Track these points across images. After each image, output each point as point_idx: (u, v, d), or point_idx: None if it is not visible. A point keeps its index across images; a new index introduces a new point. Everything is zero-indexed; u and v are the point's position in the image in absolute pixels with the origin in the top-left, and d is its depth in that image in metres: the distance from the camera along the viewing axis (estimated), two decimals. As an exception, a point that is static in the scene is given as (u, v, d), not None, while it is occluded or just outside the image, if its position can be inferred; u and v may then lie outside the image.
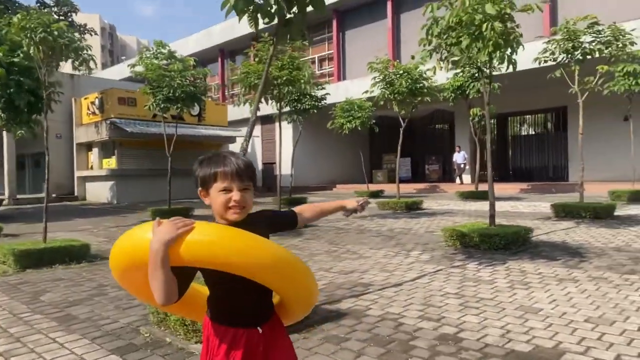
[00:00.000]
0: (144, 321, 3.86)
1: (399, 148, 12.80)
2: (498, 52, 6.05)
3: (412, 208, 12.20)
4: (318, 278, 5.13)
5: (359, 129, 16.14)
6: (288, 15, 4.40)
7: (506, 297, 4.31)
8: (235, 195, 1.47)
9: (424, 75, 11.56)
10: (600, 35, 8.82)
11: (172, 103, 11.83)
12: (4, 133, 19.19)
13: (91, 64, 7.08)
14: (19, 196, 20.47)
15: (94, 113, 19.41)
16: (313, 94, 13.60)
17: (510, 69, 6.36)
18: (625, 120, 14.79)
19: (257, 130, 23.92)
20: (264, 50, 9.59)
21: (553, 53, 9.14)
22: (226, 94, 28.56)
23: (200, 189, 1.54)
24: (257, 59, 10.06)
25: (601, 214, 9.12)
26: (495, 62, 6.49)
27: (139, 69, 11.89)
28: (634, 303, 3.98)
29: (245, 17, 4.62)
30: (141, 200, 18.44)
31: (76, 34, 7.28)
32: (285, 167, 16.88)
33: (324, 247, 7.27)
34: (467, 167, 20.43)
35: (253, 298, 1.52)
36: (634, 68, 10.46)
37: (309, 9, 4.50)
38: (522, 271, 5.27)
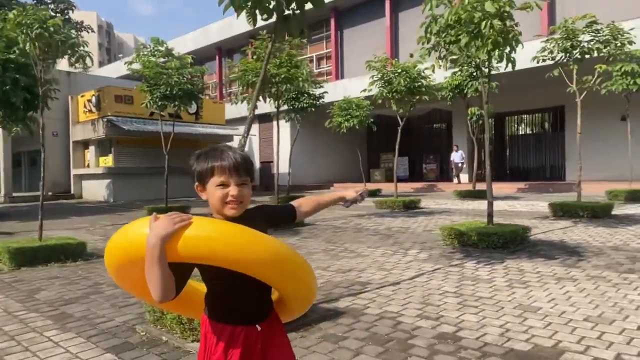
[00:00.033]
0: (140, 320, 3.83)
1: (396, 147, 12.78)
2: (497, 50, 6.03)
3: (410, 207, 12.19)
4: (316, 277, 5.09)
5: (357, 127, 16.10)
6: (287, 11, 4.36)
7: (505, 296, 4.29)
8: (233, 190, 1.44)
9: (422, 74, 11.55)
10: (598, 35, 8.81)
11: (169, 101, 11.77)
12: (0, 131, 19.08)
13: (87, 61, 7.02)
14: (15, 194, 20.38)
15: (90, 111, 19.32)
16: (311, 92, 13.57)
17: (510, 68, 6.34)
18: (622, 120, 14.80)
19: (255, 128, 23.87)
20: (262, 48, 9.55)
21: (551, 52, 9.13)
22: (224, 92, 28.50)
23: (196, 183, 1.51)
24: (255, 57, 10.01)
25: (599, 213, 9.13)
26: (494, 61, 6.47)
27: (136, 66, 11.83)
28: (633, 302, 3.97)
29: (243, 14, 4.58)
30: (138, 198, 18.38)
31: (72, 31, 7.21)
32: (282, 165, 16.85)
33: (321, 246, 7.24)
34: (465, 166, 20.44)
35: (252, 295, 1.49)
36: (631, 67, 10.46)
37: (308, 5, 4.47)
38: (521, 270, 5.25)
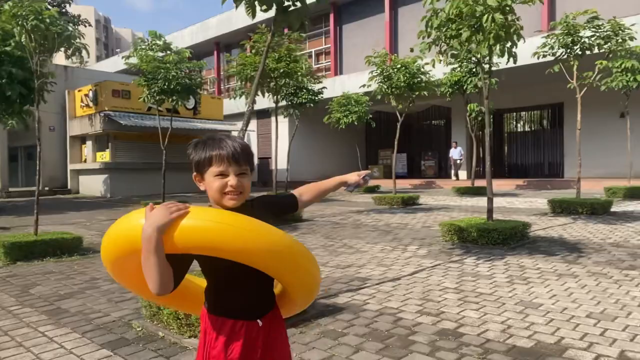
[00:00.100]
0: (136, 315, 3.77)
1: (395, 143, 12.71)
2: (498, 45, 5.96)
3: (409, 203, 12.15)
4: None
5: (356, 124, 16.06)
6: (287, 2, 4.29)
7: (505, 292, 4.25)
8: (232, 180, 1.38)
9: (422, 69, 11.49)
10: (599, 30, 8.75)
11: (167, 95, 11.68)
12: (-4, 125, 18.97)
13: (84, 54, 6.93)
14: (11, 189, 20.26)
15: (87, 105, 19.19)
16: (310, 87, 13.49)
17: (511, 63, 6.27)
18: (621, 117, 14.78)
19: (253, 124, 23.78)
20: (261, 42, 9.47)
21: (552, 47, 9.07)
22: (222, 87, 28.38)
23: (195, 173, 1.45)
24: (253, 51, 9.93)
25: (598, 210, 9.10)
26: (495, 56, 6.40)
27: (134, 60, 11.73)
28: (636, 299, 3.93)
29: (242, 7, 4.52)
30: (135, 194, 18.28)
31: (70, 26, 7.11)
32: (281, 161, 16.77)
33: (320, 242, 7.19)
34: (464, 162, 20.39)
35: (253, 287, 1.44)
36: (632, 64, 10.41)
37: (309, -1, 4.40)
38: (521, 266, 5.21)
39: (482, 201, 11.97)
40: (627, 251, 5.87)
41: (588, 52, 8.89)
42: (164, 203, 1.26)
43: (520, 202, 12.21)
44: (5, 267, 5.83)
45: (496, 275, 4.84)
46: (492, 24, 5.59)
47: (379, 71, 11.76)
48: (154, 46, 11.59)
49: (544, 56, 9.20)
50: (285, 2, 4.31)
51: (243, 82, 10.68)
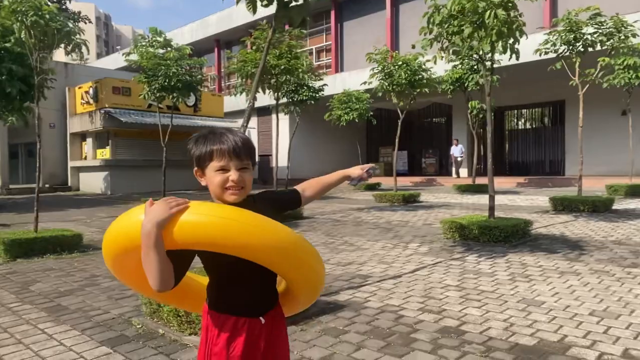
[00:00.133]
0: (136, 312, 3.75)
1: (396, 140, 12.68)
2: (501, 41, 5.92)
3: (409, 201, 12.12)
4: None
5: (357, 121, 16.02)
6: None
7: (508, 289, 4.22)
8: (233, 174, 1.35)
9: (423, 66, 11.45)
10: (602, 27, 8.70)
11: (167, 92, 11.64)
12: (-3, 122, 18.93)
13: (83, 50, 6.90)
14: (11, 186, 20.24)
15: (88, 102, 19.15)
16: (311, 84, 13.45)
17: (513, 60, 6.23)
18: (623, 115, 14.74)
19: (253, 121, 23.73)
20: (262, 38, 9.42)
21: (554, 44, 9.02)
22: (222, 85, 28.32)
23: (195, 168, 1.42)
24: (254, 47, 9.89)
25: (599, 208, 9.07)
26: (497, 52, 6.36)
27: (134, 57, 11.68)
28: (639, 297, 3.91)
29: (243, 3, 4.48)
30: (136, 191, 18.26)
31: (70, 22, 7.07)
32: (281, 159, 16.74)
33: (320, 239, 7.17)
34: (464, 159, 20.34)
35: (257, 284, 1.41)
36: (634, 61, 10.36)
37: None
38: (523, 264, 5.18)
39: (482, 199, 11.95)
40: (630, 249, 5.84)
41: (590, 49, 8.84)
42: (163, 198, 1.24)
43: (521, 200, 12.18)
44: (5, 264, 5.81)
45: (498, 273, 4.82)
46: (495, 20, 5.55)
47: (380, 68, 11.72)
48: (154, 43, 11.55)
49: (546, 53, 9.16)
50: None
51: (244, 79, 10.63)
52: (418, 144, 24.57)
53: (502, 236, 6.29)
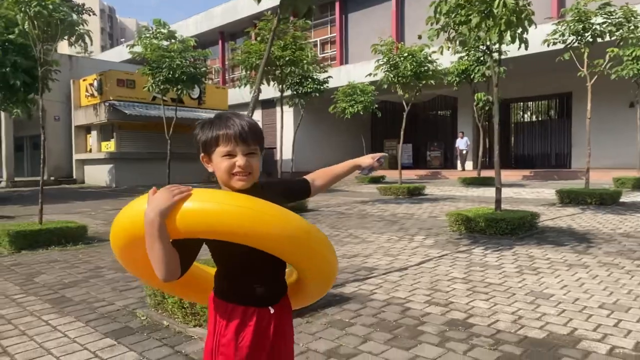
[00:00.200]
0: (140, 304, 3.73)
1: (401, 133, 12.59)
2: (509, 31, 5.82)
3: (414, 194, 12.06)
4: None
5: (361, 113, 15.93)
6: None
7: (515, 282, 4.17)
8: (240, 160, 1.31)
9: (429, 58, 11.34)
10: (611, 17, 8.57)
11: (171, 84, 11.60)
12: (2, 115, 18.96)
13: (87, 41, 6.85)
14: (17, 179, 20.31)
15: (92, 95, 19.14)
16: (315, 76, 13.37)
17: (522, 50, 6.14)
18: (631, 107, 14.58)
19: (258, 114, 23.67)
20: (266, 29, 9.34)
21: (563, 35, 8.90)
22: (227, 77, 28.24)
23: (202, 154, 1.38)
24: (258, 39, 9.81)
25: (607, 201, 8.99)
26: (506, 43, 6.26)
27: (138, 49, 11.63)
28: (649, 289, 3.85)
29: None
30: (140, 183, 18.28)
31: (74, 15, 7.02)
32: (286, 152, 16.68)
33: (325, 231, 7.13)
34: (470, 152, 20.22)
35: (269, 273, 1.38)
36: (643, 52, 10.23)
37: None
38: (530, 256, 5.13)
39: (488, 192, 11.88)
40: (638, 241, 5.77)
41: (599, 40, 8.72)
42: (166, 186, 1.20)
43: (527, 193, 12.10)
44: (10, 255, 5.81)
45: (505, 266, 4.77)
46: (504, 9, 5.46)
47: (385, 60, 11.62)
48: (158, 34, 11.49)
49: (554, 44, 9.04)
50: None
51: (248, 71, 10.57)
52: (423, 137, 24.45)
53: (508, 229, 6.23)
